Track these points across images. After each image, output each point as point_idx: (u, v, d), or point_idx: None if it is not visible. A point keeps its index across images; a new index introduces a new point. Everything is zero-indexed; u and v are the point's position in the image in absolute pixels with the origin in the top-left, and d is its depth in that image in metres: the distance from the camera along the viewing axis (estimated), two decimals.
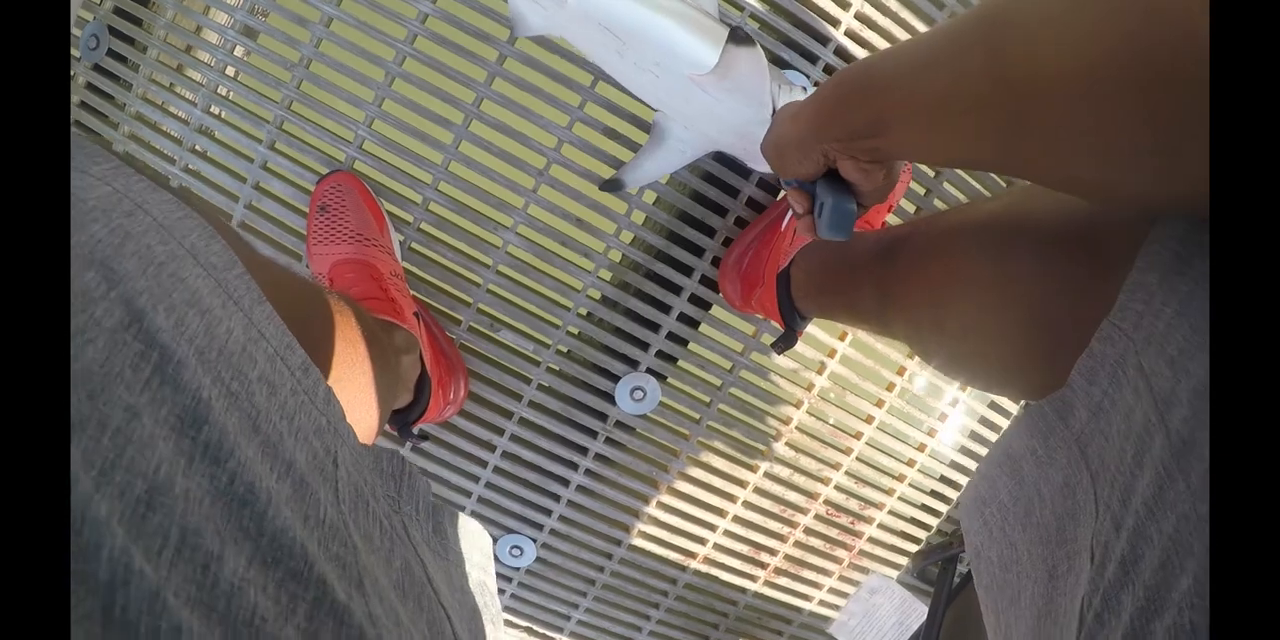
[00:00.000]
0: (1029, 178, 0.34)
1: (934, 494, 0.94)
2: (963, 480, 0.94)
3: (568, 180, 0.76)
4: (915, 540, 0.96)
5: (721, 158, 0.76)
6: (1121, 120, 0.25)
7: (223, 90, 0.83)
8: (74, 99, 0.85)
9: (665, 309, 0.79)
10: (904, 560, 0.97)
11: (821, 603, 0.97)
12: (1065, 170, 0.30)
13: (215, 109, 0.83)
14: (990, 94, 0.29)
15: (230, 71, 0.80)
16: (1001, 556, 0.37)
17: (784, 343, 0.72)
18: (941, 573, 0.87)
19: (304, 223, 0.80)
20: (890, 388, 0.87)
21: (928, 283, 0.48)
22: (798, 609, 0.97)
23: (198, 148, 0.83)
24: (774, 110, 0.66)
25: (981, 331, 0.43)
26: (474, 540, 0.48)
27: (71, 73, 0.85)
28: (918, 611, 0.89)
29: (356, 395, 0.49)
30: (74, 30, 0.84)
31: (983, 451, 0.93)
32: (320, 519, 0.27)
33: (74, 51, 0.85)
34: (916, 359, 0.86)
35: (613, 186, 0.70)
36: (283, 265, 0.52)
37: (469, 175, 0.77)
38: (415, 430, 0.72)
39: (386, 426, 0.73)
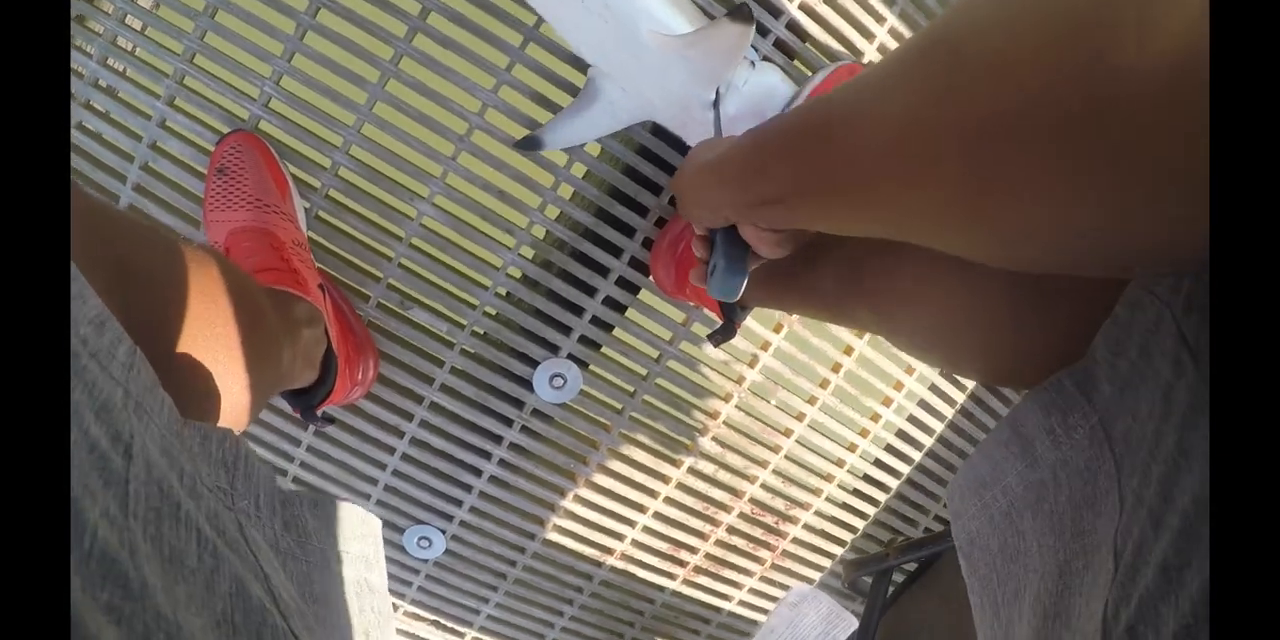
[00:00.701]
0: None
1: (860, 495, 0.92)
2: (892, 483, 0.92)
3: (491, 148, 0.71)
4: (840, 542, 0.94)
5: (658, 130, 0.71)
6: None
7: (121, 41, 0.75)
8: None
9: (590, 291, 0.75)
10: (827, 562, 0.95)
11: (741, 603, 0.95)
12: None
13: (112, 61, 0.75)
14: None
15: (131, 22, 0.72)
16: (1004, 546, 0.33)
17: (721, 335, 0.68)
18: (875, 584, 0.84)
19: (204, 187, 0.73)
20: (824, 384, 0.84)
21: (897, 260, 0.44)
22: (717, 609, 0.94)
23: (93, 103, 0.75)
24: (717, 95, 0.62)
25: (958, 310, 0.38)
26: (355, 529, 0.42)
27: None
28: (845, 622, 0.87)
29: (219, 361, 0.43)
30: None
31: (914, 454, 0.91)
32: (87, 551, 0.19)
33: None
34: (852, 357, 0.83)
35: (530, 145, 0.65)
36: (125, 212, 0.45)
37: (383, 139, 0.71)
38: (320, 413, 0.67)
39: (293, 410, 0.68)
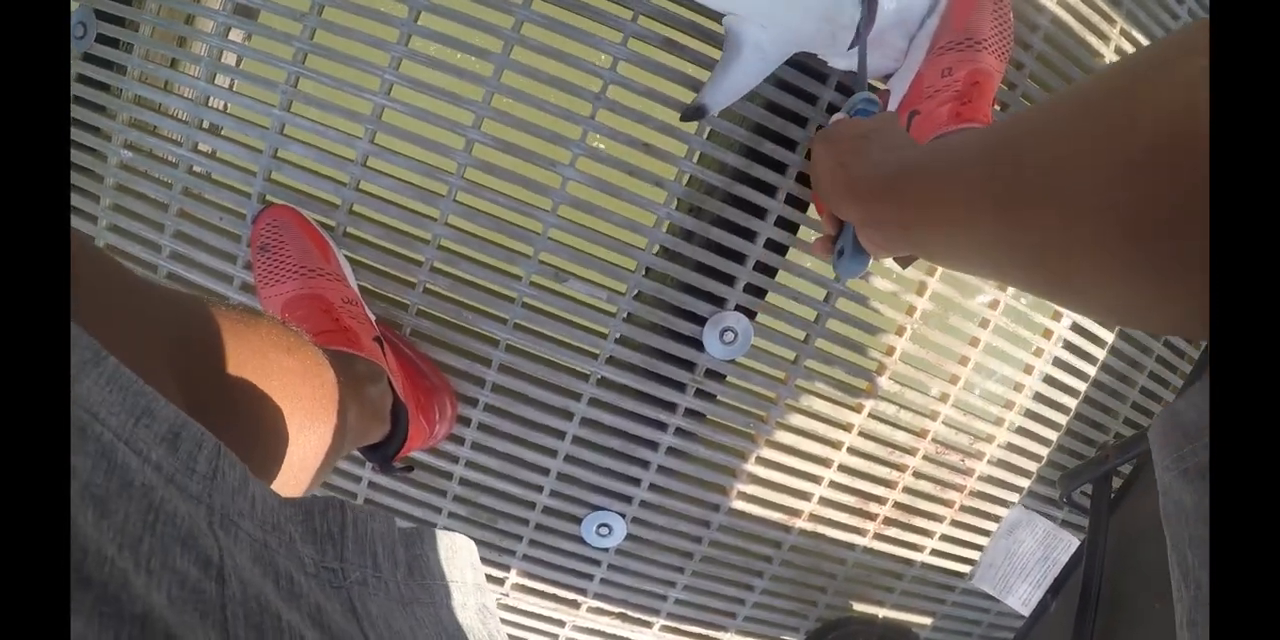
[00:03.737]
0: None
1: (1040, 419, 0.87)
2: (1070, 402, 0.87)
3: (629, 102, 0.68)
4: (1026, 473, 0.89)
5: (793, 62, 0.68)
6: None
7: (229, 58, 0.74)
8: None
9: (750, 236, 0.71)
10: (1015, 497, 0.90)
11: (934, 551, 0.90)
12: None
13: (222, 79, 0.73)
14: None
15: (229, 57, 0.70)
16: (1198, 505, 0.29)
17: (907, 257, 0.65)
18: (1096, 492, 0.79)
19: (327, 186, 0.71)
20: (994, 305, 0.80)
21: None
22: (909, 561, 0.90)
23: (206, 124, 0.73)
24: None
25: None
26: (461, 558, 0.41)
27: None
28: (1064, 542, 0.82)
29: (293, 428, 0.44)
30: None
31: (1087, 369, 0.86)
32: None
33: None
34: None
35: (695, 114, 0.63)
36: (169, 286, 0.46)
37: (516, 109, 0.68)
38: (398, 463, 0.66)
39: (370, 466, 0.69)
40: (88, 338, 0.23)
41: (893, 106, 0.68)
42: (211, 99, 0.74)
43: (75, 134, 0.76)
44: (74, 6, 0.74)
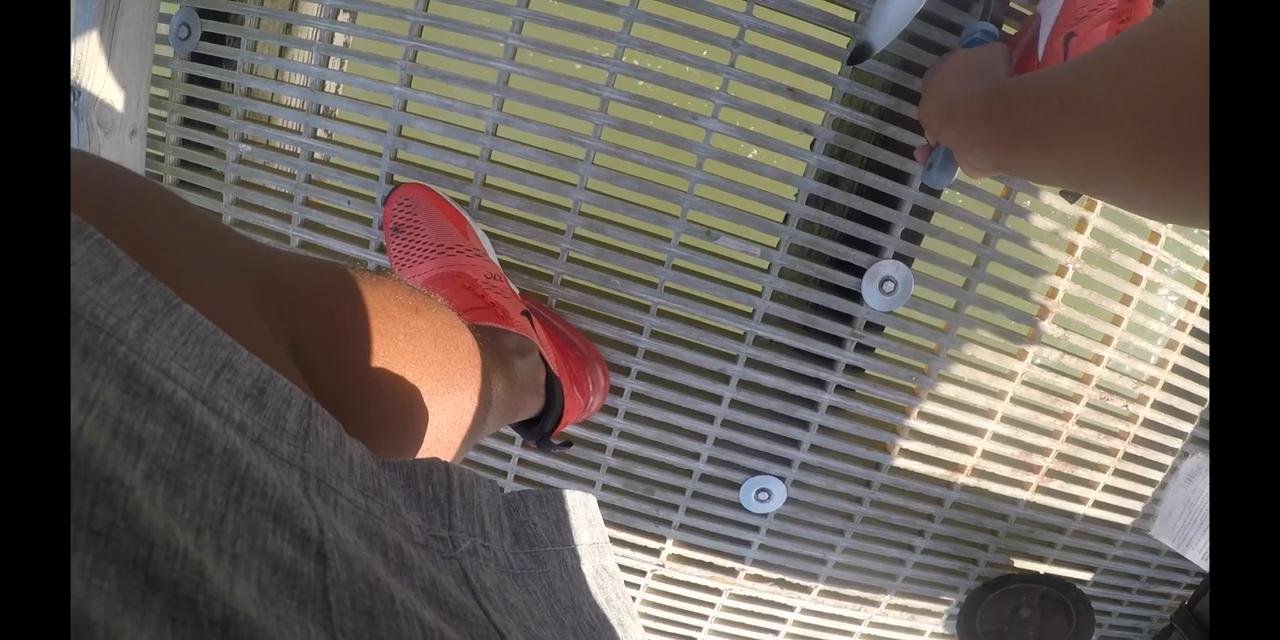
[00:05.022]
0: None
1: (1205, 359, 0.82)
2: None
3: (769, 46, 0.65)
4: (1189, 417, 0.84)
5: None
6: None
7: (338, 40, 0.72)
8: (176, 95, 0.75)
9: (903, 178, 0.68)
10: (1178, 443, 0.85)
11: (1096, 503, 0.86)
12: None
13: (335, 62, 0.72)
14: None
15: (339, 33, 0.69)
16: None
17: (1071, 196, 0.62)
18: None
19: (458, 160, 0.69)
20: (1155, 238, 0.75)
21: None
22: (1070, 515, 0.86)
23: (325, 109, 0.72)
24: None
25: None
26: (581, 517, 0.37)
27: (169, 71, 0.75)
28: None
29: (414, 388, 0.38)
30: (160, 26, 0.73)
31: None
32: None
33: (165, 48, 0.75)
34: None
35: (862, 53, 0.59)
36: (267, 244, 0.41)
37: (651, 62, 0.65)
38: (556, 439, 0.63)
39: (526, 443, 0.65)
40: (158, 285, 0.20)
41: (1045, 33, 0.64)
42: (327, 84, 0.73)
43: (191, 134, 0.76)
44: (175, 8, 0.74)
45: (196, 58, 0.75)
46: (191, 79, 0.76)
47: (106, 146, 0.76)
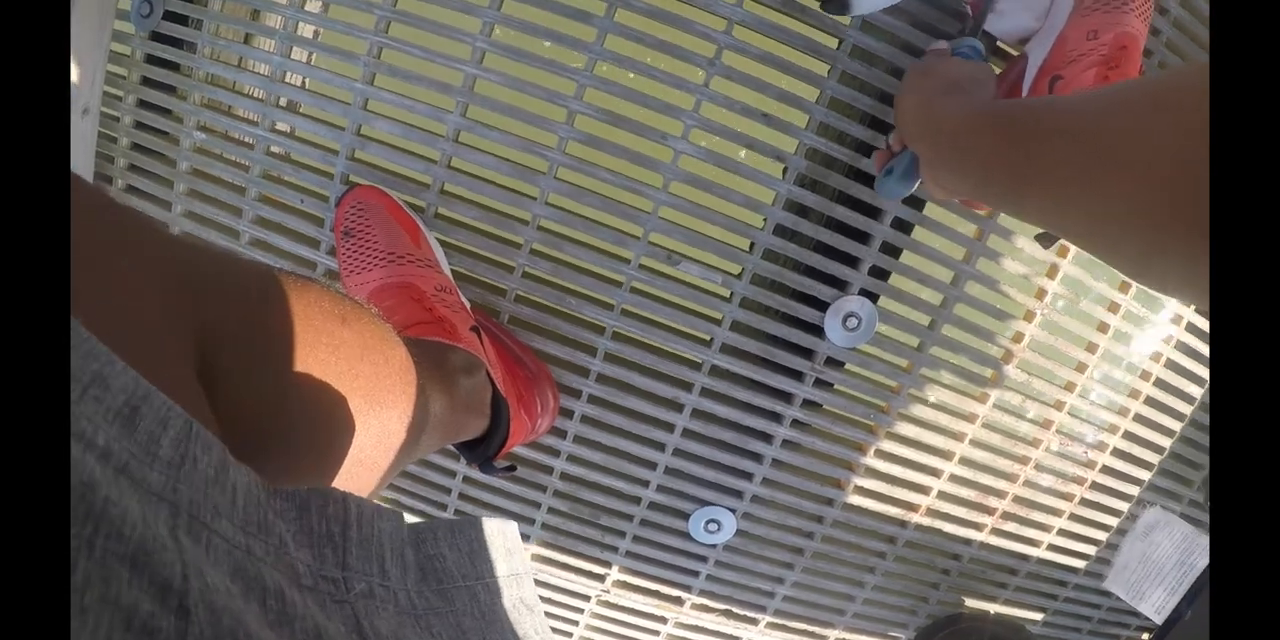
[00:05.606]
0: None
1: (1166, 409, 0.81)
2: (1197, 391, 0.81)
3: (746, 68, 0.62)
4: (1148, 465, 0.83)
5: (922, 27, 0.62)
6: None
7: (306, 30, 0.69)
8: (135, 75, 0.72)
9: (875, 213, 0.66)
10: (1136, 490, 0.84)
11: (1050, 546, 0.85)
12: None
13: (299, 53, 0.69)
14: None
15: (305, 30, 0.66)
16: None
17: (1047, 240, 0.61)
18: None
19: (416, 164, 0.66)
20: (1125, 288, 0.74)
21: None
22: (1025, 557, 0.85)
23: (287, 102, 0.69)
24: None
25: None
26: (498, 546, 0.35)
27: (129, 49, 0.72)
28: (1203, 547, 0.76)
29: (348, 415, 0.35)
30: (121, 3, 0.70)
31: None
32: None
33: (127, 26, 0.71)
34: None
35: (839, 6, 0.55)
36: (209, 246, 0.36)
37: (623, 77, 0.63)
38: (499, 462, 0.61)
39: (468, 464, 0.63)
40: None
41: (1030, 74, 0.62)
42: (289, 75, 0.70)
43: (146, 117, 0.73)
44: None
45: (157, 37, 0.71)
46: (150, 59, 0.72)
47: None
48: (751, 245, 0.66)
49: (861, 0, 0.53)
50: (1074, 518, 0.83)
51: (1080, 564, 0.87)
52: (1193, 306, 0.77)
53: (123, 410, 0.19)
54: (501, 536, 0.35)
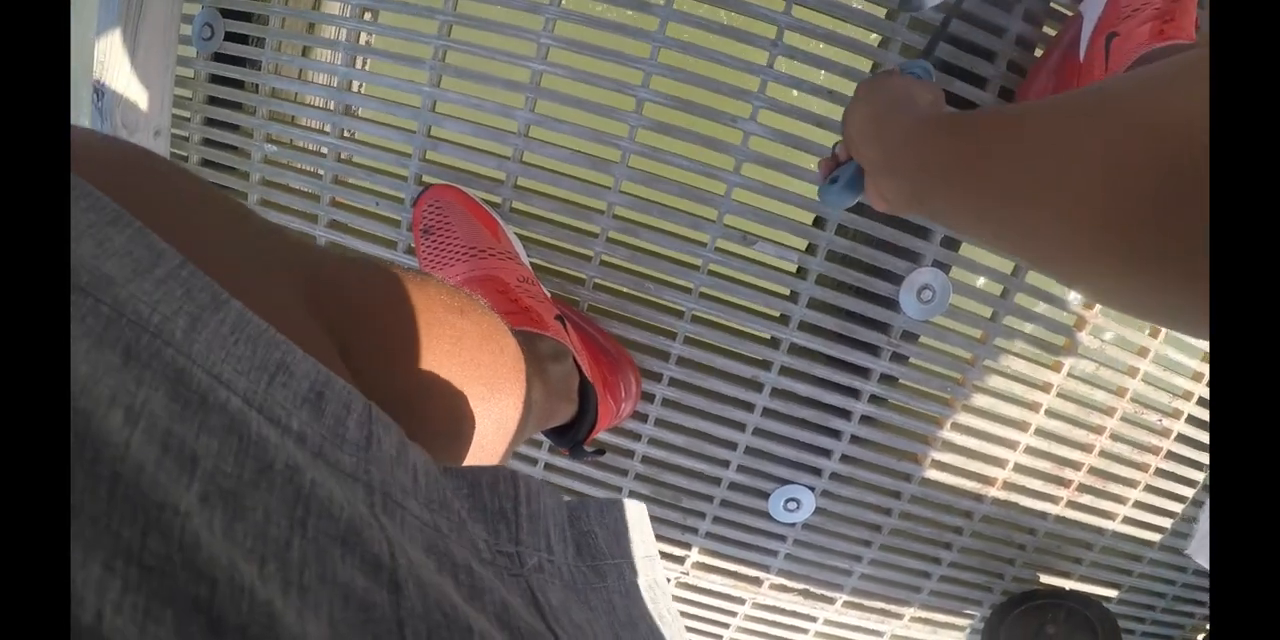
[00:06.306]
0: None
1: None
2: None
3: (808, 47, 0.64)
4: None
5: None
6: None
7: (363, 39, 0.71)
8: (200, 95, 0.74)
9: None
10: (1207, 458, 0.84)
11: (1125, 519, 0.84)
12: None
13: (362, 61, 0.71)
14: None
15: (365, 32, 0.68)
16: None
17: None
18: None
19: (489, 161, 0.68)
20: None
21: None
22: (1100, 530, 0.84)
23: (353, 108, 0.71)
24: None
25: None
26: (637, 528, 0.36)
27: (191, 72, 0.74)
28: None
29: (473, 400, 0.37)
30: (183, 27, 0.72)
31: None
32: None
33: (188, 49, 0.74)
34: None
35: (911, 3, 0.57)
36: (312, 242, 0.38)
37: (688, 63, 0.64)
38: (589, 446, 0.62)
39: (560, 450, 0.64)
40: (204, 278, 0.19)
41: (1086, 31, 0.62)
42: (354, 84, 0.72)
43: (215, 134, 0.75)
44: (197, 9, 0.73)
45: (219, 58, 0.74)
46: (215, 79, 0.75)
47: None
48: (823, 222, 0.67)
49: None
50: (1150, 489, 0.83)
51: (1156, 537, 0.87)
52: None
53: (309, 396, 0.20)
54: (640, 519, 0.37)
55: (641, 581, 0.35)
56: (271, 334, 0.20)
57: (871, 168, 0.47)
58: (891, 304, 0.69)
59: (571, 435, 0.61)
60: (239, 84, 0.75)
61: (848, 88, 0.65)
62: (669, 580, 0.81)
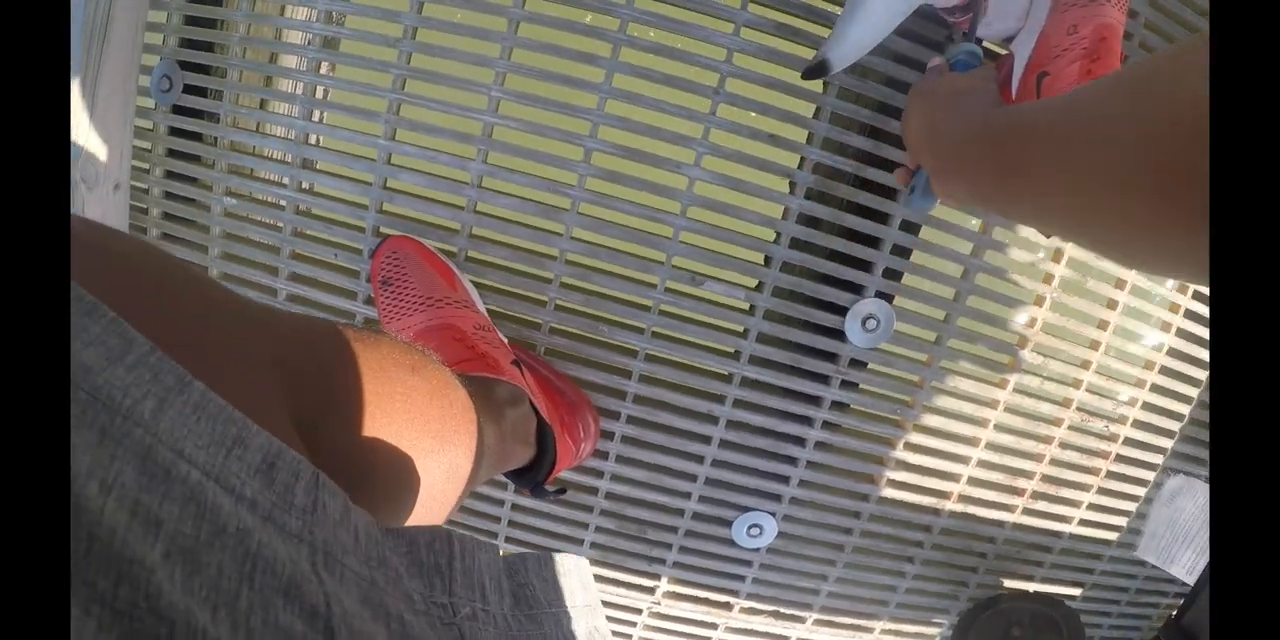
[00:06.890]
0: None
1: (1182, 377, 0.84)
2: (1207, 357, 0.84)
3: (750, 94, 0.66)
4: (1169, 434, 0.87)
5: (908, 34, 0.66)
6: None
7: (319, 92, 0.73)
8: (160, 147, 0.75)
9: (883, 218, 0.69)
10: (1160, 459, 0.87)
11: (1081, 521, 0.88)
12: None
13: (317, 114, 0.72)
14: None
15: (321, 85, 0.70)
16: None
17: None
18: None
19: (444, 211, 0.70)
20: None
21: None
22: (1057, 534, 0.88)
23: (310, 161, 0.73)
24: None
25: None
26: (576, 579, 0.39)
27: (151, 124, 0.75)
28: None
29: (411, 447, 0.40)
30: (142, 79, 0.74)
31: None
32: None
33: (147, 100, 0.75)
34: None
35: (818, 70, 0.59)
36: (274, 308, 0.41)
37: (634, 113, 0.66)
38: (550, 486, 0.64)
39: (519, 491, 0.67)
40: (169, 362, 0.21)
41: (1018, 71, 0.65)
42: (311, 136, 0.73)
43: (175, 187, 0.76)
44: (155, 61, 0.74)
45: (179, 110, 0.75)
46: (174, 132, 0.76)
47: (90, 202, 0.76)
48: (768, 259, 0.70)
49: (837, 59, 0.57)
50: (1102, 491, 0.87)
51: (1112, 536, 0.90)
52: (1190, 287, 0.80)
53: (261, 466, 0.22)
54: (578, 571, 0.39)
55: (579, 629, 0.37)
56: (229, 412, 0.22)
57: (932, 174, 0.49)
58: (838, 334, 0.72)
59: (531, 476, 0.63)
60: (198, 137, 0.76)
61: (788, 130, 0.67)
62: (641, 610, 0.84)
